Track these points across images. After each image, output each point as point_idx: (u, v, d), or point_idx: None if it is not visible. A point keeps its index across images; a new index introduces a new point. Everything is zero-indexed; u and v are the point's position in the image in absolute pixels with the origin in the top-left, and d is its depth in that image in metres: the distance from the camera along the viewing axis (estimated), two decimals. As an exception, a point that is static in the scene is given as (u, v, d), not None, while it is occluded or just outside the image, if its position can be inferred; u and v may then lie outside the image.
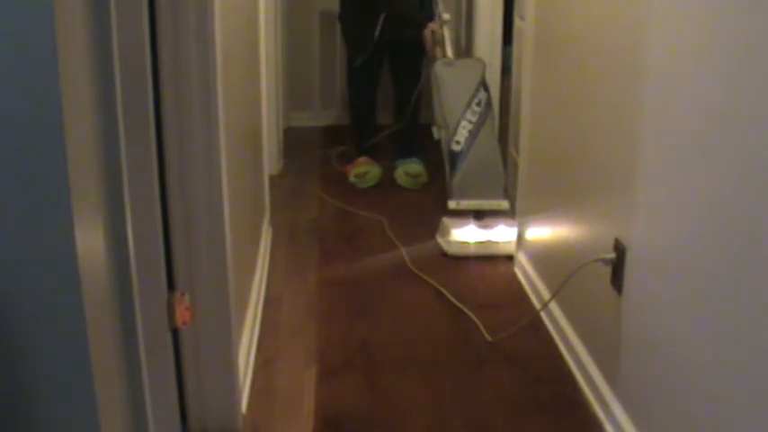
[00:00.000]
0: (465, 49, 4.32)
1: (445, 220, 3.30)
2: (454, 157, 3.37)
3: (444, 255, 3.18)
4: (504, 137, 3.74)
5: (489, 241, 3.20)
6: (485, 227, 3.24)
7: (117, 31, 1.17)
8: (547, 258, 2.73)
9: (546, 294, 2.64)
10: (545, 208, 2.77)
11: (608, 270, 2.03)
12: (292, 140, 4.64)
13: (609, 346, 2.07)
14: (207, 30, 1.75)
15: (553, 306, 2.54)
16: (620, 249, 1.97)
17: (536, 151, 2.88)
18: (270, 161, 3.67)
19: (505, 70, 3.80)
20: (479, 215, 3.30)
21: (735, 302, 1.44)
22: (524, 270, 2.95)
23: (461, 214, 3.31)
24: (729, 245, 1.45)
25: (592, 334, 2.25)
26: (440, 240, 3.26)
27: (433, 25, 3.71)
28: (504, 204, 3.32)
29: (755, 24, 1.36)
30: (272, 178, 3.65)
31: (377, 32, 3.79)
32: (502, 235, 3.21)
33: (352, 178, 4.01)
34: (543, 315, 2.63)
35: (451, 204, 3.34)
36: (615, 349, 2.01)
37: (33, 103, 0.95)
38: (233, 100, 2.16)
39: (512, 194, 3.31)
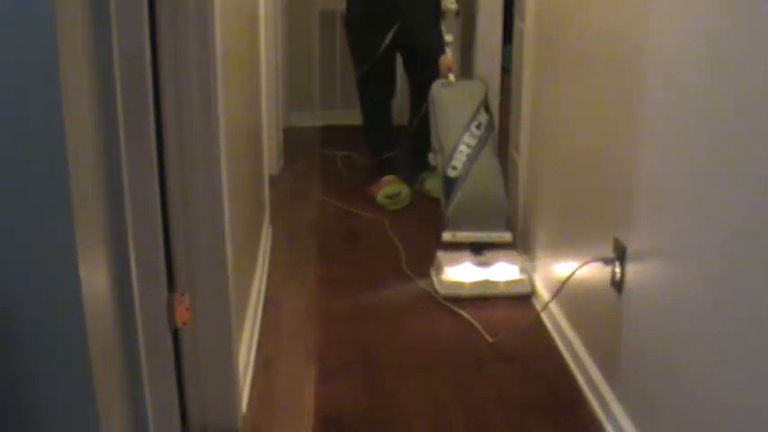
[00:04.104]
0: (466, 46, 4.25)
1: (439, 254, 2.94)
2: (450, 183, 3.01)
3: (436, 295, 2.82)
4: (505, 138, 3.73)
5: (486, 281, 2.83)
6: (482, 264, 2.88)
7: (117, 31, 1.17)
8: (547, 258, 2.73)
9: (546, 294, 2.64)
10: (545, 208, 2.77)
11: (608, 270, 2.03)
12: (292, 140, 4.64)
13: (609, 346, 2.07)
14: (207, 30, 1.75)
15: (553, 306, 2.54)
16: (620, 249, 1.97)
17: (536, 151, 2.88)
18: (270, 161, 3.65)
19: (505, 70, 3.77)
20: (477, 248, 2.95)
21: (735, 302, 1.44)
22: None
23: (457, 248, 2.96)
24: (729, 245, 1.45)
25: (592, 334, 2.25)
26: (433, 278, 2.91)
27: (445, 58, 3.39)
28: (507, 237, 2.97)
29: (757, 26, 1.36)
30: (272, 178, 3.64)
31: (385, 44, 3.62)
32: (501, 274, 2.85)
33: (382, 200, 3.67)
34: (543, 315, 2.63)
35: (446, 236, 2.98)
36: (615, 349, 2.01)
37: (33, 104, 0.95)
38: (233, 100, 2.16)
39: (515, 224, 3.04)
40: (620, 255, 1.96)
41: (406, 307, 2.79)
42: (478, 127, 3.07)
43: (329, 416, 2.14)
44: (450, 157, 3.03)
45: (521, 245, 3.02)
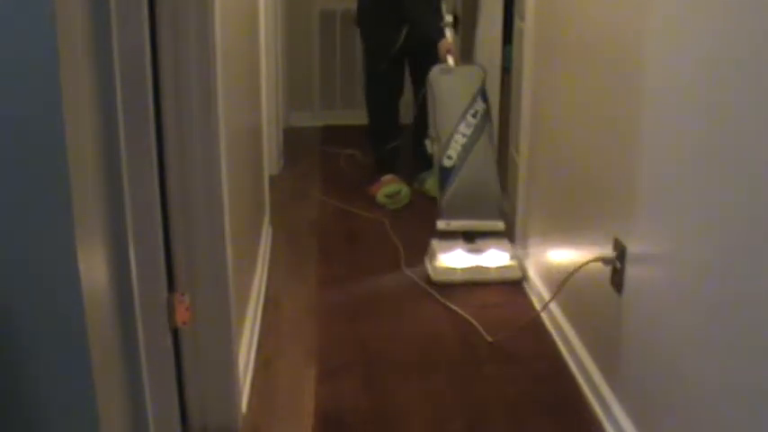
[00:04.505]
0: (465, 50, 4.23)
1: (433, 242, 3.03)
2: (445, 173, 3.06)
3: (429, 281, 2.91)
4: (504, 137, 3.72)
5: (478, 267, 2.93)
6: (474, 251, 2.97)
7: (117, 31, 1.17)
8: (547, 258, 2.73)
9: (546, 294, 2.64)
10: (545, 208, 2.77)
11: (608, 270, 2.03)
12: (292, 140, 4.64)
13: (609, 346, 2.07)
14: (207, 30, 1.75)
15: (553, 306, 2.54)
16: (620, 249, 1.97)
17: (536, 151, 2.88)
18: (270, 161, 3.66)
19: (505, 70, 3.76)
20: (470, 237, 3.02)
21: (735, 302, 1.44)
22: (524, 270, 2.95)
23: (452, 236, 3.02)
24: (729, 244, 1.45)
25: (592, 334, 2.25)
26: (427, 265, 3.00)
27: (444, 42, 3.40)
28: (500, 225, 3.03)
29: (756, 27, 1.36)
30: (272, 178, 3.64)
31: (399, 42, 3.61)
32: (492, 260, 2.95)
33: (382, 199, 3.69)
34: (543, 315, 2.63)
35: (440, 225, 3.03)
36: (615, 349, 2.01)
37: (33, 104, 0.95)
38: (233, 100, 2.16)
39: (509, 213, 3.10)
40: (620, 255, 1.96)
41: (406, 307, 2.79)
42: (474, 116, 3.09)
43: (329, 416, 2.14)
44: (446, 147, 3.07)
45: (520, 244, 3.02)
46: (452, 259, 2.94)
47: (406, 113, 3.99)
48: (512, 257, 2.95)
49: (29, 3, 0.92)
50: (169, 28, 1.72)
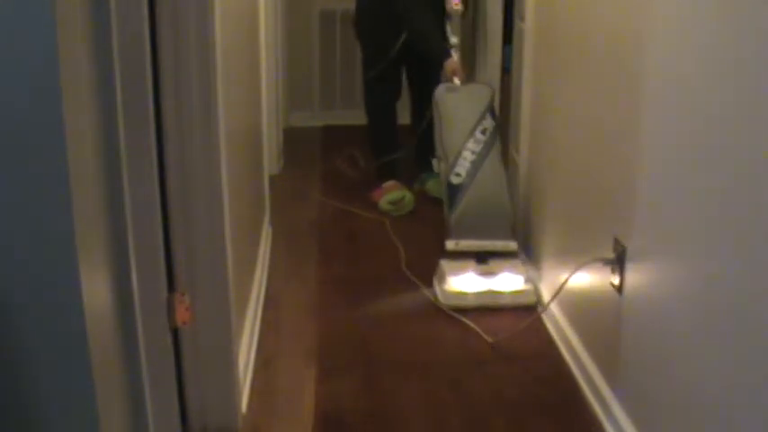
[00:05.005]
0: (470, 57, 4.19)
1: (443, 263, 2.86)
2: (453, 190, 2.93)
3: (438, 306, 2.75)
4: (505, 137, 3.72)
5: (491, 291, 2.75)
6: (486, 273, 2.79)
7: (117, 30, 1.17)
8: (547, 258, 2.73)
9: (546, 295, 2.64)
10: (545, 208, 2.77)
11: (608, 270, 2.03)
12: (292, 140, 4.64)
13: (609, 346, 2.07)
14: (207, 30, 1.75)
15: (553, 306, 2.54)
16: (620, 249, 1.97)
17: (536, 151, 2.88)
18: (270, 161, 3.65)
19: (505, 70, 3.76)
20: (483, 258, 2.86)
21: (734, 302, 1.44)
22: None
23: (462, 256, 2.87)
24: (729, 244, 1.45)
25: (592, 334, 2.25)
26: (435, 288, 2.84)
27: (451, 62, 3.33)
28: (512, 245, 2.89)
29: (756, 27, 1.36)
30: (272, 178, 3.64)
31: (396, 48, 3.57)
32: (506, 284, 2.76)
33: (385, 206, 3.62)
34: (543, 316, 2.63)
35: (449, 245, 2.88)
36: (615, 349, 2.01)
37: (33, 103, 0.95)
38: (233, 100, 2.16)
39: (521, 233, 2.99)
40: (620, 255, 1.96)
41: (405, 307, 2.79)
42: (483, 132, 3.00)
43: (329, 416, 2.14)
44: (454, 164, 2.96)
45: (521, 245, 3.02)
46: (463, 283, 2.77)
47: (404, 115, 3.98)
48: (526, 281, 2.78)
49: (29, 3, 0.92)
50: (169, 28, 1.72)
